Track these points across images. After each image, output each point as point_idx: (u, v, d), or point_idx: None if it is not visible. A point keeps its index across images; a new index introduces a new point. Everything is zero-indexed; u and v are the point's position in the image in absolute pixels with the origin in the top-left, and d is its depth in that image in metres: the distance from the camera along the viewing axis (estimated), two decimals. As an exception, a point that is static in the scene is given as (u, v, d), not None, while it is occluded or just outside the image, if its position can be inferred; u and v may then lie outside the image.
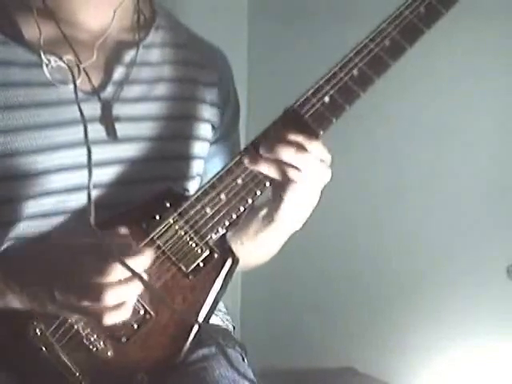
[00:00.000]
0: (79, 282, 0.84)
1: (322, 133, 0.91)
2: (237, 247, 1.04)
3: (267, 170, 0.91)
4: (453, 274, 1.70)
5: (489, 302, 1.65)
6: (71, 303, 0.85)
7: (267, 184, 0.93)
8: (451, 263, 1.71)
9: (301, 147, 0.90)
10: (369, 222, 1.85)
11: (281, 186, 0.93)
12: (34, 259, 0.90)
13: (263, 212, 1.02)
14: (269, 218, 1.01)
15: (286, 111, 0.92)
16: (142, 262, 0.87)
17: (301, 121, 0.91)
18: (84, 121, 0.97)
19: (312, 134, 0.90)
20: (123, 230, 0.90)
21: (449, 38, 1.54)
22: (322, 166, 0.92)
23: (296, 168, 0.90)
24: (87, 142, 0.97)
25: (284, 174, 0.91)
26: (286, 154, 0.89)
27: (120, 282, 0.84)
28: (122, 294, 0.85)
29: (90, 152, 0.96)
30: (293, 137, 0.90)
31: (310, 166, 0.90)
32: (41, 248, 0.90)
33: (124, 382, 0.95)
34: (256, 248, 1.08)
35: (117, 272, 0.83)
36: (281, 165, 0.90)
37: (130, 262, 0.84)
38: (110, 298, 0.83)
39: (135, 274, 0.84)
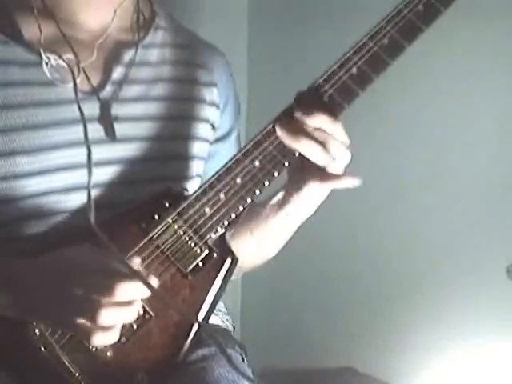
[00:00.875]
0: (78, 296, 0.84)
1: None
2: (246, 238, 1.04)
3: (301, 145, 0.90)
4: (453, 274, 1.70)
5: (489, 302, 1.65)
6: (64, 319, 0.86)
7: (266, 183, 0.92)
8: (451, 263, 1.71)
9: (324, 128, 0.89)
10: (369, 222, 1.84)
11: (302, 166, 0.93)
12: (36, 269, 0.89)
13: (276, 198, 1.01)
14: (285, 202, 0.99)
15: (306, 90, 0.91)
16: (145, 290, 0.87)
17: (320, 102, 0.90)
18: (84, 120, 0.97)
19: (333, 116, 0.90)
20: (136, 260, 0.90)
21: (449, 37, 1.54)
22: (343, 146, 0.91)
23: (321, 144, 0.89)
24: (87, 142, 0.97)
25: (316, 153, 0.90)
26: (319, 124, 0.89)
27: (118, 303, 0.85)
28: (116, 317, 0.86)
29: (89, 151, 0.96)
30: (318, 113, 0.89)
31: (334, 149, 0.90)
32: (45, 259, 0.90)
33: (124, 382, 0.94)
34: (264, 238, 1.07)
35: (118, 295, 0.84)
36: (310, 140, 0.89)
37: (133, 287, 0.85)
38: (103, 318, 0.84)
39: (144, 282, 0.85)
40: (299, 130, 0.89)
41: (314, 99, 0.90)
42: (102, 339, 0.86)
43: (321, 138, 0.89)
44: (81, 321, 0.84)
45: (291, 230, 1.07)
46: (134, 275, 0.85)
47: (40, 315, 0.89)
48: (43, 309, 0.88)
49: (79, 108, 0.97)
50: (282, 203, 1.00)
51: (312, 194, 0.97)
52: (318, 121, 0.89)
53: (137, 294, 0.87)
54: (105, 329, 0.85)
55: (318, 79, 0.91)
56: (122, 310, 0.85)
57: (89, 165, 0.95)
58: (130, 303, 0.86)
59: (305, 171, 0.94)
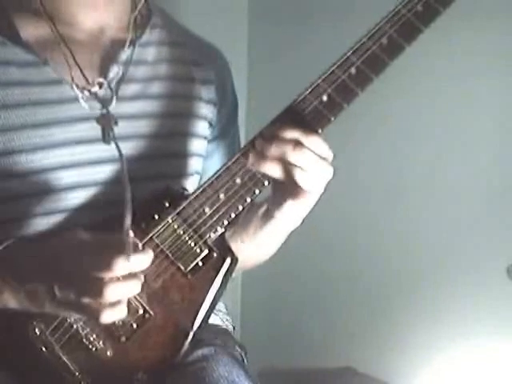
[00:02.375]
0: (79, 277, 0.83)
1: (320, 131, 0.91)
2: (237, 246, 1.04)
3: (268, 169, 0.90)
4: (453, 274, 1.70)
5: (489, 302, 1.65)
6: (70, 300, 0.84)
7: (266, 183, 0.92)
8: (451, 263, 1.71)
9: (298, 144, 0.88)
10: (369, 222, 1.84)
11: (283, 184, 0.92)
12: (34, 256, 0.89)
13: (263, 209, 1.01)
14: (269, 215, 1.00)
15: (284, 109, 0.91)
16: (143, 260, 0.86)
17: (299, 118, 0.90)
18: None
19: (310, 131, 0.89)
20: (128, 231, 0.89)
21: (449, 37, 1.54)
22: (322, 162, 0.90)
23: (296, 166, 0.89)
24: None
25: (285, 172, 0.90)
26: (284, 151, 0.88)
27: (121, 278, 0.84)
28: (122, 291, 0.85)
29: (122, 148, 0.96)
30: (290, 134, 0.89)
31: (309, 163, 0.89)
32: (41, 245, 0.90)
33: (124, 381, 0.95)
34: (256, 246, 1.07)
35: (118, 268, 0.83)
36: (281, 163, 0.89)
37: (132, 259, 0.84)
38: (109, 293, 0.83)
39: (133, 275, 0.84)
40: (264, 155, 0.89)
41: (293, 116, 0.90)
42: (111, 316, 0.85)
43: (287, 156, 0.88)
44: (87, 300, 0.83)
45: (281, 238, 1.08)
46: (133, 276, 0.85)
47: (44, 303, 0.87)
48: (46, 295, 0.86)
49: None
50: (267, 217, 1.01)
51: (293, 210, 0.97)
52: (290, 134, 0.89)
53: (138, 266, 0.85)
54: (112, 304, 0.84)
55: (317, 80, 0.90)
56: (126, 282, 0.84)
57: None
58: (133, 276, 0.85)
59: (284, 188, 0.94)
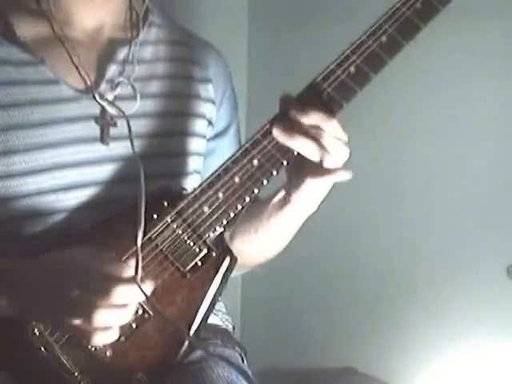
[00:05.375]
0: (72, 299, 0.84)
1: None
2: (250, 236, 1.05)
3: (296, 143, 0.90)
4: (453, 274, 1.70)
5: (489, 302, 1.65)
6: (61, 319, 0.86)
7: (265, 182, 0.92)
8: (451, 263, 1.71)
9: (319, 125, 0.89)
10: (369, 222, 1.84)
11: (301, 165, 0.93)
12: (34, 267, 0.89)
13: (278, 196, 1.01)
14: (285, 201, 0.99)
15: (305, 89, 0.91)
16: (141, 293, 0.87)
17: (318, 100, 0.90)
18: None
19: (329, 116, 0.89)
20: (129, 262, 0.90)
21: (449, 37, 1.54)
22: (342, 145, 0.91)
23: (321, 146, 0.89)
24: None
25: (311, 149, 0.90)
26: (314, 121, 0.89)
27: (114, 306, 0.85)
28: (112, 319, 0.86)
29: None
30: (312, 111, 0.89)
31: (330, 145, 0.89)
32: (42, 257, 0.90)
33: (123, 381, 0.94)
34: (269, 236, 1.07)
35: (114, 296, 0.84)
36: (303, 137, 0.89)
37: (128, 291, 0.85)
38: (98, 320, 0.84)
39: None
40: (293, 129, 0.89)
41: (311, 97, 0.90)
42: (102, 339, 0.87)
43: (315, 135, 0.89)
44: (77, 322, 0.84)
45: (295, 226, 1.06)
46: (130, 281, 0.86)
47: (38, 315, 0.90)
48: (41, 309, 0.88)
49: (101, 107, 0.98)
50: (282, 203, 1.00)
51: (311, 192, 0.96)
52: (312, 118, 0.89)
53: (133, 299, 0.87)
54: (102, 329, 0.85)
55: (317, 77, 0.91)
56: (116, 311, 0.85)
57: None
58: (125, 306, 0.86)
59: (302, 170, 0.94)
